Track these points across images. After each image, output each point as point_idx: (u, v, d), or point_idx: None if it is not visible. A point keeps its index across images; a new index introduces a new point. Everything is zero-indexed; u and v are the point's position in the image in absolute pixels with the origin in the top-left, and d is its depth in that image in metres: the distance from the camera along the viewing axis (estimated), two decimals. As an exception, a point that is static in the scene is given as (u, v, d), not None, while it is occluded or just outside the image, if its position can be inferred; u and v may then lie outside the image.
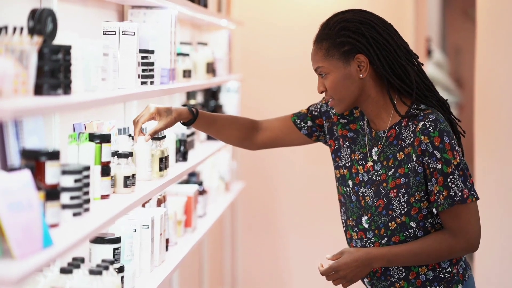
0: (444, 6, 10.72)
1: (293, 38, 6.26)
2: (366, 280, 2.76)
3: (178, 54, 3.75)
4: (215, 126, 2.98)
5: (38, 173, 2.16)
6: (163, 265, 3.29)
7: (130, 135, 3.15)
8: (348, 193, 2.76)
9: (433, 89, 2.72)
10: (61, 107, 2.15)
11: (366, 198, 2.70)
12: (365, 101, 2.70)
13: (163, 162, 3.23)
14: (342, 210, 2.82)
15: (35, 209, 1.99)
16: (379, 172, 2.68)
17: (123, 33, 3.06)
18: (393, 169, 2.64)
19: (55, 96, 2.22)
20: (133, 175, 2.85)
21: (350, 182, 2.75)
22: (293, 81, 6.28)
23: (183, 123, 2.96)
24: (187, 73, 3.83)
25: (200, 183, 4.30)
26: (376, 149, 2.71)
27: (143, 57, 3.14)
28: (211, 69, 4.36)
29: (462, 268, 2.69)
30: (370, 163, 2.71)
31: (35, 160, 2.16)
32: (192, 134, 4.07)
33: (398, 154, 2.64)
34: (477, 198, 2.59)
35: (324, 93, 2.73)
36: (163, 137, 3.27)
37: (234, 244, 6.33)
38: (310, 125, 2.93)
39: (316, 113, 2.92)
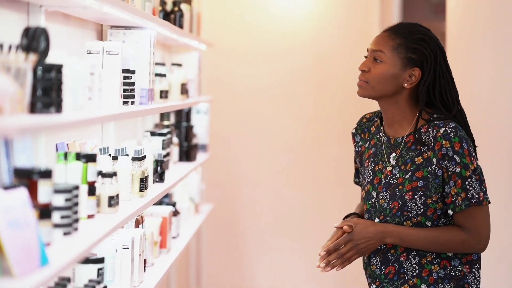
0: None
1: (259, 62, 6.31)
2: (373, 286, 2.84)
3: (156, 75, 3.75)
4: None
5: (30, 191, 2.14)
6: (142, 285, 3.27)
7: (110, 155, 3.14)
8: (373, 205, 2.84)
9: (468, 129, 2.83)
10: (63, 125, 2.16)
11: (380, 201, 2.81)
12: (392, 105, 2.82)
13: (144, 182, 3.23)
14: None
15: (32, 227, 1.98)
16: (396, 176, 2.80)
17: (107, 52, 3.07)
18: (410, 173, 2.77)
19: (48, 114, 2.21)
20: (117, 195, 2.84)
21: (374, 194, 2.84)
22: (260, 103, 6.31)
23: None
24: (164, 94, 3.84)
25: (174, 204, 4.29)
26: (394, 154, 2.83)
27: (125, 77, 3.14)
28: (185, 90, 4.36)
29: (477, 281, 2.80)
30: (389, 168, 2.82)
31: (28, 179, 2.15)
32: (167, 154, 4.07)
33: (416, 159, 2.77)
34: (490, 202, 2.75)
35: (363, 72, 2.81)
36: (143, 157, 3.27)
37: (199, 264, 6.32)
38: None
39: (357, 164, 3.02)
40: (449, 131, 2.72)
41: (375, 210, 2.82)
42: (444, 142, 2.71)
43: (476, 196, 2.71)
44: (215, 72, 6.32)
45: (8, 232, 1.87)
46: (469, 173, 2.71)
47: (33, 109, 2.19)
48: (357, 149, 2.98)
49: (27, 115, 2.13)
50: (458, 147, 2.71)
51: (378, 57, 2.80)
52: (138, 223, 3.48)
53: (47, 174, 2.17)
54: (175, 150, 4.54)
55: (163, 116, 4.81)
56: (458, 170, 2.70)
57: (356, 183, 3.05)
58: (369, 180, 2.87)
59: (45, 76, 2.22)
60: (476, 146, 2.83)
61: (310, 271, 6.36)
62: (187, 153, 4.77)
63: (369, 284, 2.87)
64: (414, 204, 2.74)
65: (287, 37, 6.34)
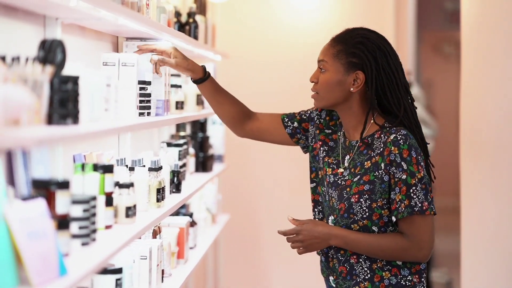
0: (417, 42, 10.89)
1: (273, 72, 6.33)
2: (331, 278, 2.87)
3: (171, 86, 3.76)
4: (220, 95, 3.12)
5: (48, 202, 2.16)
6: (160, 296, 3.28)
7: (127, 166, 3.16)
8: (324, 193, 2.92)
9: (420, 129, 2.86)
10: (80, 137, 2.18)
11: (332, 199, 2.86)
12: (346, 111, 2.88)
13: (160, 193, 3.24)
14: (316, 210, 2.99)
15: (51, 238, 1.99)
16: (345, 178, 2.83)
17: (123, 64, 3.08)
18: (358, 176, 2.80)
19: (65, 125, 2.23)
20: (134, 206, 2.85)
21: (324, 183, 2.91)
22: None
23: (193, 80, 3.09)
24: (179, 105, 3.85)
25: (191, 215, 4.30)
26: (348, 157, 2.87)
27: (141, 88, 3.16)
28: (200, 100, 4.38)
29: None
30: (341, 170, 2.86)
31: (45, 190, 2.16)
32: (184, 165, 4.08)
33: (365, 163, 2.80)
34: (435, 213, 2.76)
35: (313, 84, 2.90)
36: (160, 167, 3.28)
37: (216, 275, 6.32)
38: (295, 126, 3.08)
39: (304, 117, 3.08)
40: (399, 138, 2.74)
41: (329, 209, 2.88)
42: (393, 148, 2.74)
43: (419, 204, 2.72)
44: (230, 83, 6.30)
45: (27, 242, 1.89)
46: (414, 181, 2.72)
47: (50, 120, 2.21)
48: (315, 121, 3.01)
49: (44, 126, 2.14)
50: (406, 155, 2.73)
51: (323, 66, 2.87)
52: (155, 233, 3.49)
53: (64, 185, 2.19)
54: (191, 161, 4.56)
55: (179, 127, 4.83)
56: (404, 177, 2.72)
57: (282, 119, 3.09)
58: (321, 167, 2.91)
59: (62, 88, 2.24)
60: (429, 155, 2.85)
61: (327, 281, 6.35)
62: (203, 163, 4.78)
63: (328, 275, 2.89)
64: (359, 207, 2.77)
65: (300, 48, 6.35)
